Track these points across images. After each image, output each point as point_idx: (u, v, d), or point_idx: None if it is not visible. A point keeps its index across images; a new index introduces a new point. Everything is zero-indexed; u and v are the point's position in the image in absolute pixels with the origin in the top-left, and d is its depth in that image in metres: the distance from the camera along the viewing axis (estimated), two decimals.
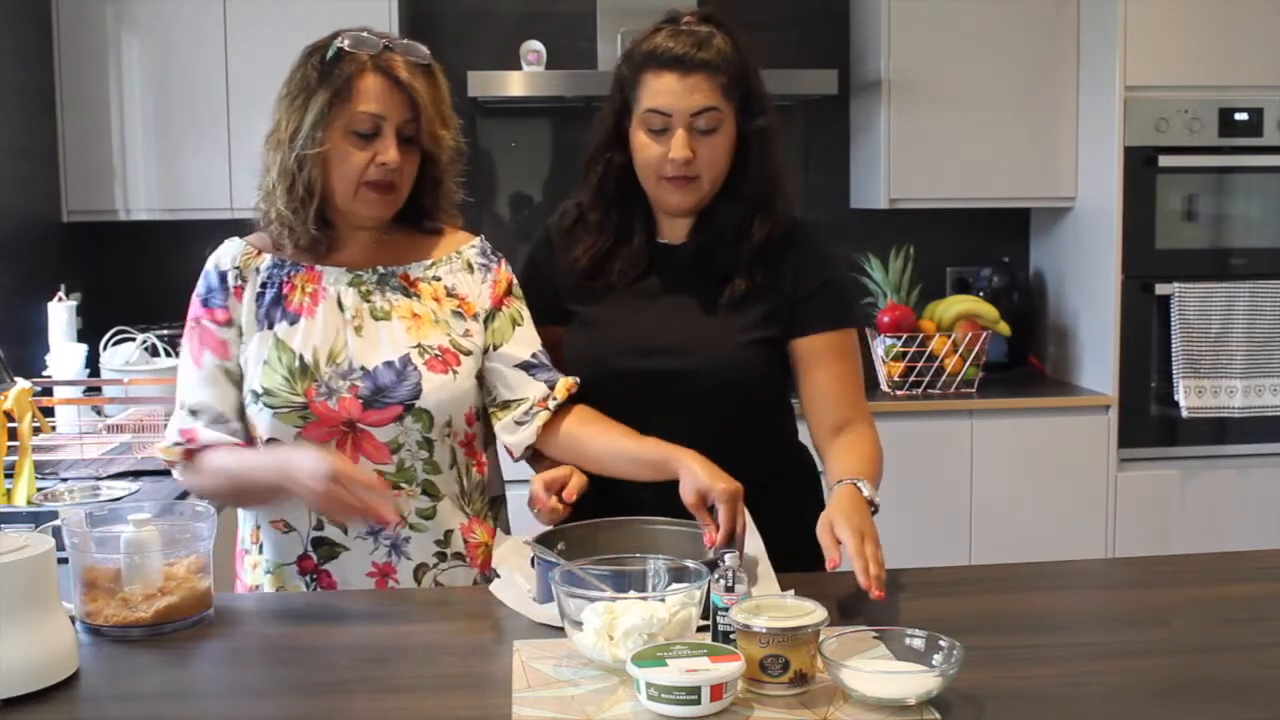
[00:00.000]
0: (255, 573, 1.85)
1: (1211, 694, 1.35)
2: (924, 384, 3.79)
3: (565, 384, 1.85)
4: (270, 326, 1.79)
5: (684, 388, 1.85)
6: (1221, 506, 3.77)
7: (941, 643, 1.36)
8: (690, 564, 1.51)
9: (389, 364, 1.77)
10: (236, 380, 1.80)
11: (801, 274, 1.89)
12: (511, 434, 1.85)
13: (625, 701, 1.32)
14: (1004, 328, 3.96)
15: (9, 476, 2.45)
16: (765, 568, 1.66)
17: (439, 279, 1.86)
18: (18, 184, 3.35)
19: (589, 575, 1.49)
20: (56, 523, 1.82)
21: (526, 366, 1.86)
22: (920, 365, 3.78)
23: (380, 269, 1.84)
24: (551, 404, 1.83)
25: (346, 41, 1.75)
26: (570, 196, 2.00)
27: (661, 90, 1.81)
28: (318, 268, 1.82)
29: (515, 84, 3.67)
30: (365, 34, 1.77)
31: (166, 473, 2.68)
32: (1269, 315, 3.71)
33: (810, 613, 1.38)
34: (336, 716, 1.33)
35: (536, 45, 3.86)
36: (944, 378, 3.81)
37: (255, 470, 1.74)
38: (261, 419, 1.77)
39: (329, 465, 1.61)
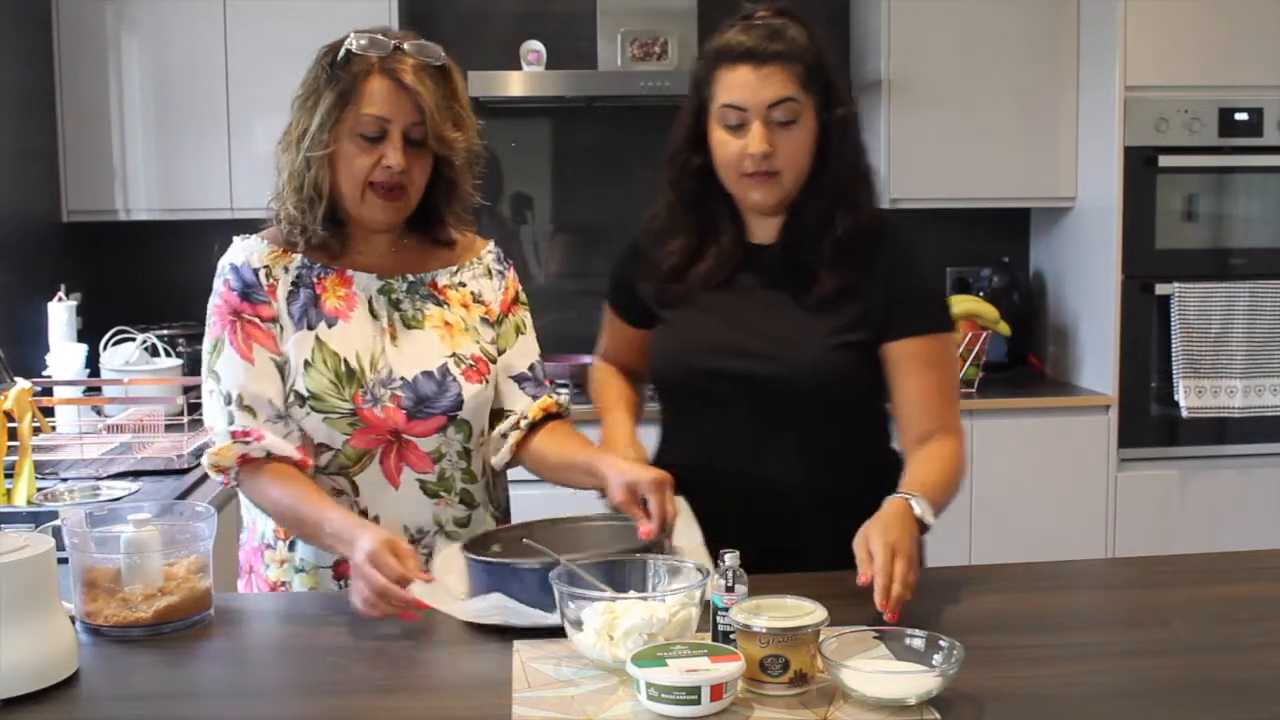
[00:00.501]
0: (283, 569, 1.82)
1: (1211, 694, 1.35)
2: None
3: (541, 404, 1.85)
4: (310, 327, 1.77)
5: (770, 390, 1.82)
6: (1221, 506, 3.77)
7: (941, 643, 1.36)
8: (692, 564, 1.51)
9: (428, 374, 1.77)
10: (283, 372, 1.77)
11: (896, 276, 1.83)
12: (494, 450, 1.85)
13: (625, 701, 1.32)
14: (1004, 328, 3.96)
15: (9, 476, 2.45)
16: (700, 557, 1.61)
17: (464, 284, 1.87)
18: (18, 184, 3.35)
19: (589, 575, 1.49)
20: (56, 523, 1.82)
21: (519, 378, 1.87)
22: None
23: (410, 277, 1.83)
24: (523, 424, 1.83)
25: (355, 42, 1.73)
26: (659, 201, 1.94)
27: (736, 84, 1.77)
28: (348, 272, 1.81)
29: (515, 84, 3.68)
30: (378, 35, 1.74)
31: (167, 472, 2.68)
32: (1269, 315, 3.71)
33: (810, 613, 1.37)
34: (336, 716, 1.34)
35: (536, 45, 3.86)
36: None
37: (324, 525, 1.64)
38: (310, 423, 1.75)
39: (371, 556, 1.53)
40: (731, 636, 1.37)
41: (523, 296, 1.94)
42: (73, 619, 1.49)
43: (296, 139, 1.75)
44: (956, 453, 1.79)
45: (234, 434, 1.71)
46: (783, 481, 1.83)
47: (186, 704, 1.37)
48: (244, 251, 1.80)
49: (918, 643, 1.38)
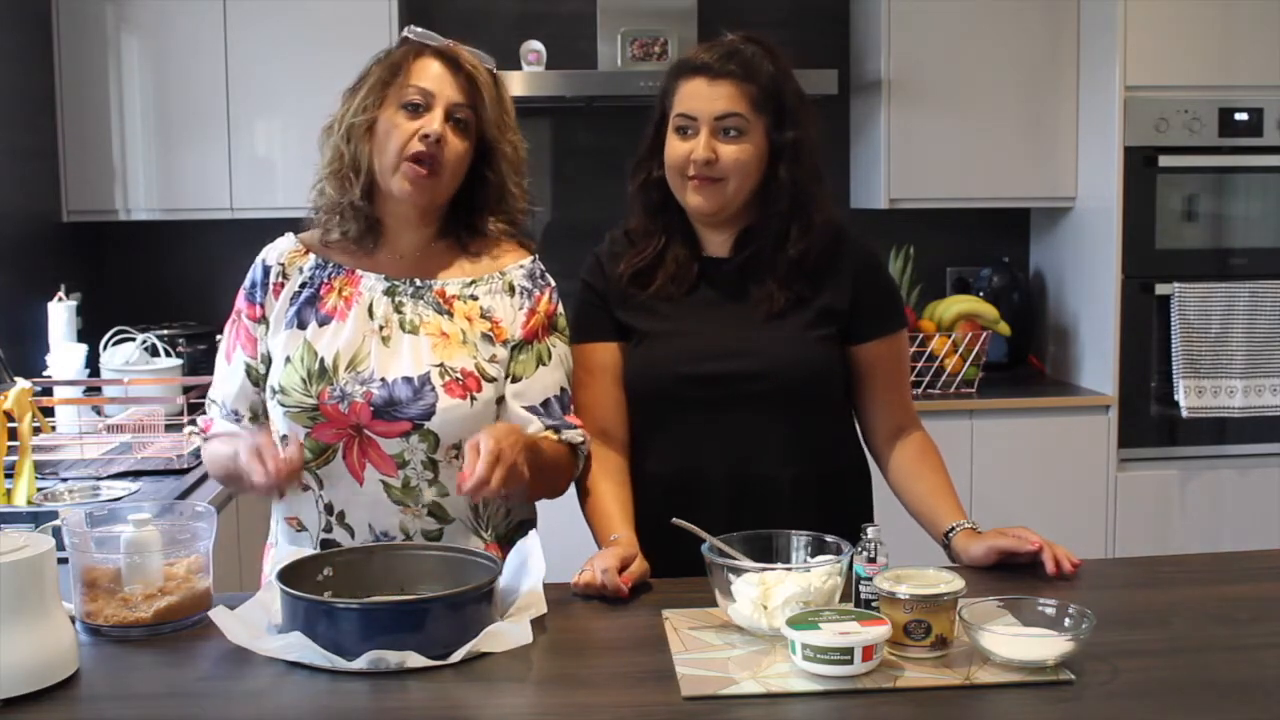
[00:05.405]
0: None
1: (1211, 694, 1.36)
2: (924, 384, 3.79)
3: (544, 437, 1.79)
4: (302, 327, 1.80)
5: (757, 388, 1.87)
6: (1221, 506, 3.77)
7: (1071, 609, 1.45)
8: (829, 538, 1.60)
9: (408, 379, 1.75)
10: (258, 379, 1.83)
11: (863, 279, 1.93)
12: None
13: (780, 663, 1.42)
14: (1004, 328, 3.96)
15: (9, 476, 2.45)
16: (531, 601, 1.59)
17: (476, 298, 1.83)
18: (18, 184, 3.35)
19: (733, 550, 1.58)
20: (56, 523, 1.82)
21: (532, 410, 1.81)
22: (920, 365, 3.77)
23: (417, 281, 1.82)
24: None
25: (413, 32, 1.79)
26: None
27: (690, 95, 1.87)
28: (358, 272, 1.82)
29: (515, 84, 3.67)
30: (435, 35, 1.80)
31: (167, 473, 2.69)
32: (1269, 315, 3.71)
33: (948, 582, 1.47)
34: (334, 717, 1.34)
35: (536, 45, 3.86)
36: (944, 378, 3.81)
37: (224, 457, 1.76)
38: (275, 414, 1.79)
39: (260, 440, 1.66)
40: (874, 604, 1.48)
41: (560, 324, 1.87)
42: (73, 619, 1.50)
43: (339, 119, 1.79)
44: (936, 449, 1.98)
45: (202, 421, 1.88)
46: (770, 477, 1.88)
47: (186, 704, 1.37)
48: (271, 248, 1.87)
49: (1050, 610, 1.47)
